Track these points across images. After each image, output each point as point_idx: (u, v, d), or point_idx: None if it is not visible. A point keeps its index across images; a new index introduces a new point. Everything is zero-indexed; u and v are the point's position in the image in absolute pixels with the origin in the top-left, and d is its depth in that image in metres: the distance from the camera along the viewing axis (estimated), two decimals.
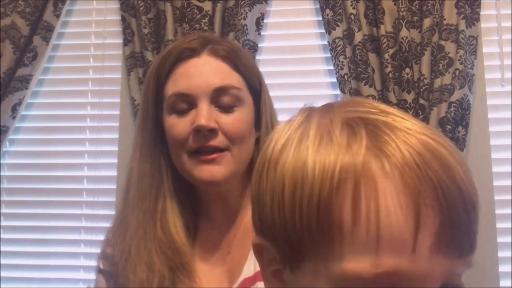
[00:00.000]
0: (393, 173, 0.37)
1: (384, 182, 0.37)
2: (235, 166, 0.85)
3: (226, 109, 0.85)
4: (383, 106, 0.45)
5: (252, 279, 0.84)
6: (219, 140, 0.83)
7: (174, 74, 0.87)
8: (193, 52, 0.87)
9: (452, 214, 0.37)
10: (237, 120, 0.85)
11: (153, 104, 0.89)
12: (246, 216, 0.90)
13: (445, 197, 0.37)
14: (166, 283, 0.82)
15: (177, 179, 0.89)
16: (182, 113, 0.85)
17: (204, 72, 0.85)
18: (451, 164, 0.39)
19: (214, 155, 0.83)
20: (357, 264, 0.37)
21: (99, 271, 0.92)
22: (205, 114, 0.82)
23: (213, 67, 0.86)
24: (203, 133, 0.82)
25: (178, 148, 0.85)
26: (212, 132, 0.83)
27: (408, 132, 0.40)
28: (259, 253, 0.45)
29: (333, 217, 0.37)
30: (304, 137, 0.42)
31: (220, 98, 0.85)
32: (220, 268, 0.89)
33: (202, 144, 0.83)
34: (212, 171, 0.83)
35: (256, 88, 0.91)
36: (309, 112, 0.46)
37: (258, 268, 0.83)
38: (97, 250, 1.82)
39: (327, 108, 0.45)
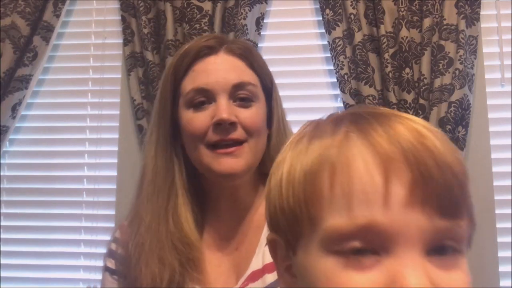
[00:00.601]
0: (363, 141, 0.42)
1: (355, 149, 0.42)
2: (252, 158, 0.88)
3: (244, 103, 0.89)
4: (383, 108, 0.49)
5: (260, 272, 0.86)
6: (238, 133, 0.86)
7: (192, 71, 0.89)
8: (211, 50, 0.90)
9: (424, 171, 0.40)
10: (255, 114, 0.89)
11: (171, 100, 0.91)
12: (256, 214, 0.92)
13: (414, 156, 0.40)
14: (177, 277, 0.84)
15: (191, 176, 0.91)
16: (199, 108, 0.88)
17: (222, 69, 0.89)
18: (421, 131, 0.42)
19: (232, 149, 0.86)
20: (336, 220, 0.41)
21: (106, 269, 0.94)
22: (226, 109, 0.86)
23: (231, 65, 0.90)
24: (224, 126, 0.85)
25: (196, 142, 0.88)
26: (232, 125, 0.86)
27: (388, 116, 0.45)
28: (273, 249, 0.50)
29: (315, 185, 0.43)
30: (303, 137, 0.48)
31: (238, 93, 0.88)
32: (227, 263, 0.91)
33: (223, 137, 0.86)
34: (231, 163, 0.86)
35: (268, 86, 0.95)
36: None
37: (266, 262, 0.84)
38: (97, 250, 1.83)
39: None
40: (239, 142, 0.86)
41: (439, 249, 0.41)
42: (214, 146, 0.86)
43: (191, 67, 0.90)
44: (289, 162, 0.46)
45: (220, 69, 0.89)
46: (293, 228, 0.45)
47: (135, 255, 0.86)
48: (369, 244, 0.40)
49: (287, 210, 0.45)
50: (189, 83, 0.89)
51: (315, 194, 0.42)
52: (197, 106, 0.88)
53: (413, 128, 0.42)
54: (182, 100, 0.90)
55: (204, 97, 0.88)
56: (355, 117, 0.45)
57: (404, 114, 0.46)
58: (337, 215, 0.41)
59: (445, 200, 0.41)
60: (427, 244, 0.40)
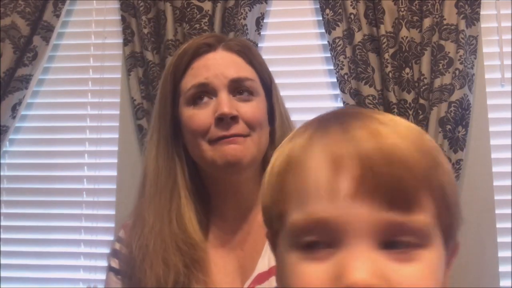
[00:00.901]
0: (321, 141, 0.45)
1: (313, 149, 0.45)
2: (255, 151, 0.87)
3: (244, 97, 0.89)
4: (367, 109, 0.50)
5: (266, 274, 0.85)
6: (240, 127, 0.86)
7: (192, 69, 0.90)
8: (209, 47, 0.90)
9: (372, 166, 0.41)
10: (256, 108, 0.89)
11: (171, 100, 0.91)
12: (259, 214, 0.91)
13: (363, 152, 0.42)
14: (182, 278, 0.83)
15: (192, 175, 0.91)
16: (199, 104, 0.88)
17: (222, 64, 0.89)
18: (379, 129, 0.44)
19: (235, 140, 0.86)
20: (295, 216, 0.43)
21: (110, 269, 0.93)
22: (227, 103, 0.85)
23: (229, 60, 0.90)
24: (226, 120, 0.85)
25: (198, 139, 0.87)
26: (234, 119, 0.86)
27: (358, 116, 0.46)
28: (273, 246, 0.52)
29: (282, 183, 0.46)
30: (288, 137, 0.51)
31: (237, 89, 0.88)
32: (233, 264, 0.90)
33: (225, 132, 0.85)
34: (235, 149, 0.85)
35: (268, 83, 0.95)
36: None
37: (272, 264, 0.83)
38: (97, 250, 1.83)
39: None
40: (242, 136, 0.86)
41: (395, 242, 0.41)
42: (215, 141, 0.86)
43: (190, 65, 0.90)
44: (272, 162, 0.49)
45: (219, 64, 0.89)
46: (271, 225, 0.48)
47: (139, 257, 0.86)
48: (323, 237, 0.42)
49: (267, 208, 0.49)
50: (189, 81, 0.89)
51: (282, 192, 0.45)
52: (197, 102, 0.88)
53: (371, 127, 0.44)
54: (183, 98, 0.89)
55: (204, 93, 0.88)
56: (328, 117, 0.48)
57: (381, 115, 0.46)
58: (296, 211, 0.43)
59: (395, 194, 0.41)
60: (379, 237, 0.41)
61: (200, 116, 0.87)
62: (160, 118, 0.92)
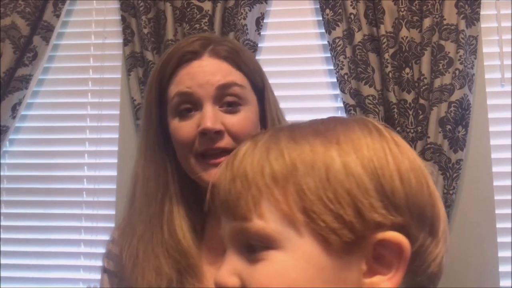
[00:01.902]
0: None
1: None
2: None
3: (231, 109, 0.85)
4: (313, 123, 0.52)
5: None
6: (225, 142, 0.83)
7: (177, 76, 0.87)
8: (194, 55, 0.87)
9: (217, 183, 0.49)
10: (242, 119, 0.85)
11: (157, 108, 0.89)
12: None
13: (219, 171, 0.49)
14: (174, 285, 0.82)
15: (184, 181, 0.88)
16: (185, 115, 0.85)
17: (207, 71, 0.85)
18: (238, 151, 0.49)
19: (221, 159, 0.82)
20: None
21: (105, 270, 0.93)
22: (211, 117, 0.82)
23: (215, 67, 0.86)
24: (210, 135, 0.82)
25: (184, 151, 0.85)
26: (218, 134, 0.83)
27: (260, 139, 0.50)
28: None
29: None
30: None
31: (224, 97, 0.85)
32: None
33: (209, 146, 0.83)
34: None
35: (259, 86, 0.91)
36: None
37: None
38: (97, 250, 1.83)
39: None
40: (227, 151, 0.81)
41: (251, 246, 0.46)
42: (202, 155, 0.84)
43: (175, 72, 0.87)
44: None
45: (204, 72, 0.85)
46: None
47: (129, 266, 0.85)
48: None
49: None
50: (174, 88, 0.86)
51: None
52: (182, 114, 0.85)
53: (238, 148, 0.49)
54: (169, 107, 0.87)
55: (189, 104, 0.85)
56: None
57: (285, 139, 0.48)
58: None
59: (229, 205, 0.47)
60: (237, 244, 0.47)
61: (184, 129, 0.84)
62: (147, 126, 0.90)
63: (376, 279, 0.44)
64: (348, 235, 0.44)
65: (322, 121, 0.50)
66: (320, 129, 0.48)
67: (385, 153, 0.46)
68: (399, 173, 0.45)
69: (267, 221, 0.45)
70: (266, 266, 0.44)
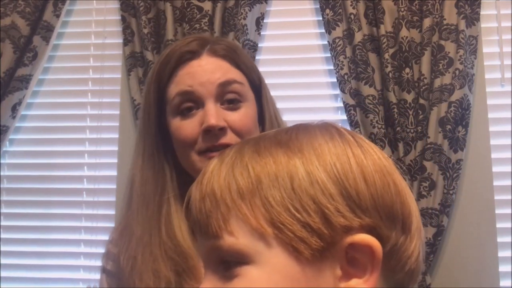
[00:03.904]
0: None
1: None
2: None
3: (232, 106, 0.87)
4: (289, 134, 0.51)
5: None
6: (229, 138, 0.85)
7: (176, 77, 0.87)
8: (193, 55, 0.88)
9: (189, 203, 0.49)
10: (244, 116, 0.87)
11: (155, 109, 0.89)
12: None
13: (192, 196, 0.50)
14: (173, 286, 0.82)
15: (182, 182, 0.89)
16: (187, 114, 0.86)
17: (207, 70, 0.87)
18: (207, 170, 0.49)
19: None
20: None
21: (103, 270, 0.92)
22: (214, 114, 0.84)
23: (215, 66, 0.88)
24: (214, 132, 0.84)
25: (186, 149, 0.86)
26: (222, 130, 0.84)
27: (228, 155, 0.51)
28: None
29: None
30: None
31: (225, 95, 0.86)
32: None
33: (213, 143, 0.84)
34: None
35: (257, 84, 0.93)
36: None
37: None
38: (97, 250, 1.83)
39: None
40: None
41: (226, 262, 0.46)
42: (205, 152, 0.85)
43: (174, 73, 0.87)
44: None
45: (204, 71, 0.86)
46: None
47: (127, 269, 0.84)
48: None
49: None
50: (174, 89, 0.87)
51: None
52: (184, 113, 0.86)
53: (206, 166, 0.50)
54: (169, 107, 0.88)
55: (190, 103, 0.86)
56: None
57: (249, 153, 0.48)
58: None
59: (201, 224, 0.47)
60: (213, 262, 0.47)
61: (187, 127, 0.85)
62: (145, 128, 0.91)
63: (353, 282, 0.45)
64: (317, 242, 0.44)
65: (286, 130, 0.50)
66: (283, 139, 0.48)
67: (347, 157, 0.46)
68: (363, 175, 0.46)
69: (237, 237, 0.45)
70: (241, 282, 0.45)
